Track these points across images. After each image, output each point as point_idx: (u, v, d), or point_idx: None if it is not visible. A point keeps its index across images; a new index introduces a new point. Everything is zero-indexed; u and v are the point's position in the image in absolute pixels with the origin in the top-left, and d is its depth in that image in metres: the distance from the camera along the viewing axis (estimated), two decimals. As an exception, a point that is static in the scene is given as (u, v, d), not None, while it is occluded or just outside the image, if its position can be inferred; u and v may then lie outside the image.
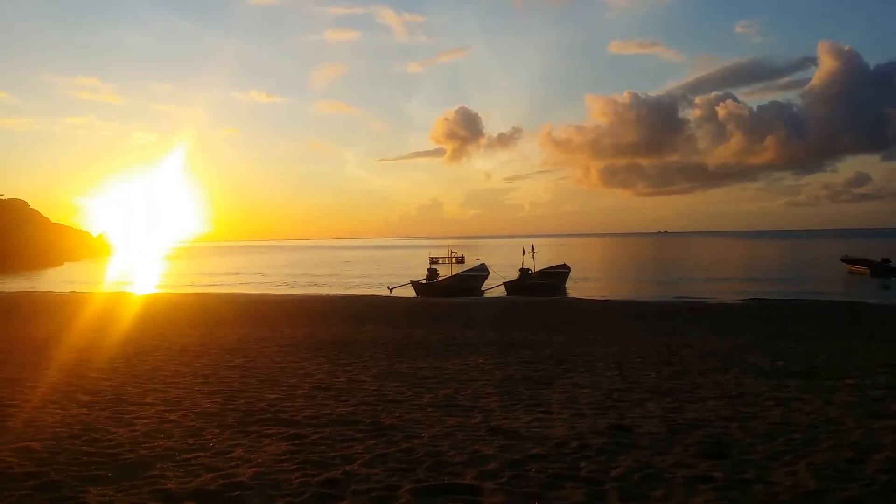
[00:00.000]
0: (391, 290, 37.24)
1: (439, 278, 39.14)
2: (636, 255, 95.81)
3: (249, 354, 12.86)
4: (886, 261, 43.71)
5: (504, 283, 35.96)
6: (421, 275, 40.23)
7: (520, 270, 37.24)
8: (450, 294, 34.09)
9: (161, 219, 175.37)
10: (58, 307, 26.24)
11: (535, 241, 44.87)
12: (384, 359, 12.33)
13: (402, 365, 11.55)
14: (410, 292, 36.17)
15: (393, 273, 55.76)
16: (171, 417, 7.53)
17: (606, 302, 28.86)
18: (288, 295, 36.71)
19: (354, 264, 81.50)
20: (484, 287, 37.61)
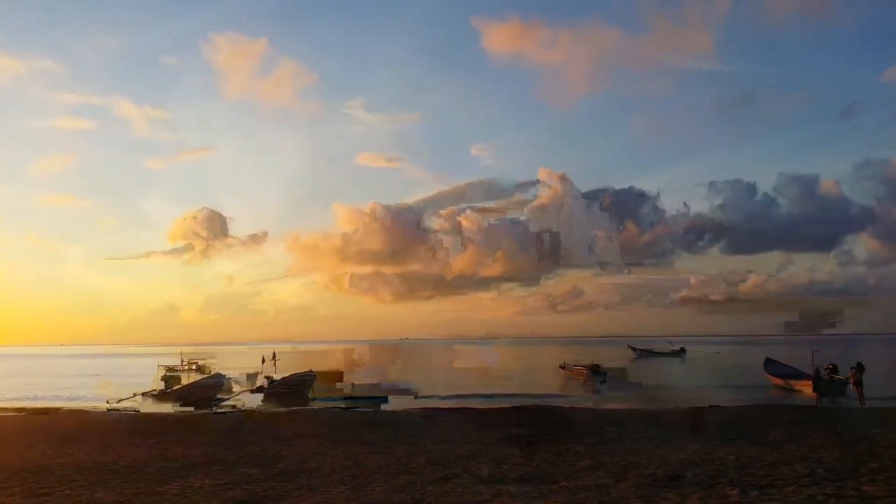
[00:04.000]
0: (111, 404, 33.51)
1: (168, 389, 36.18)
2: (378, 362, 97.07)
3: None
4: (597, 366, 49.07)
5: (242, 392, 34.20)
6: (148, 385, 36.92)
7: (265, 378, 35.90)
8: (179, 406, 31.53)
9: None
10: None
11: (282, 347, 43.70)
12: (85, 488, 10.84)
13: (110, 493, 10.26)
14: (134, 406, 32.87)
15: (116, 384, 50.36)
16: None
17: (346, 410, 28.62)
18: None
19: (70, 374, 72.46)
20: (220, 397, 35.39)
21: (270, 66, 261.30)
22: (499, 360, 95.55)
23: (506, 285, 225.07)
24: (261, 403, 33.11)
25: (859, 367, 27.88)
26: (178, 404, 32.60)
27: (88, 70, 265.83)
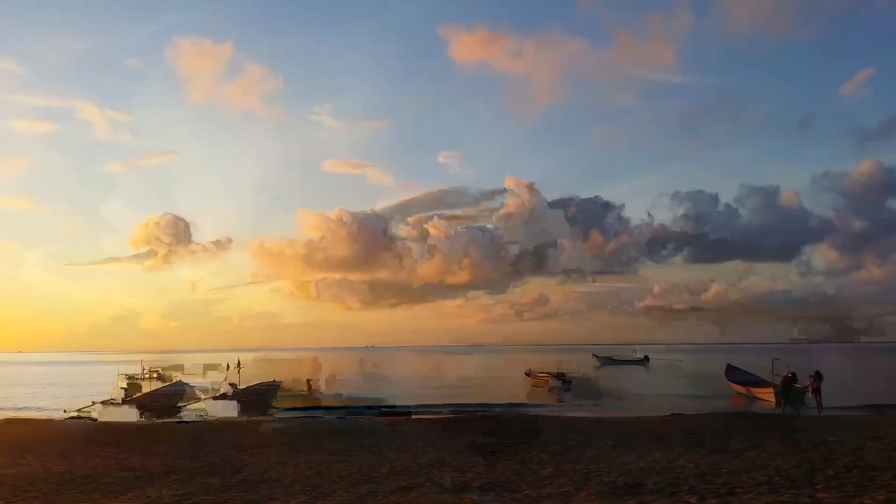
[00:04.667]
0: (67, 413, 32.74)
1: (128, 398, 35.44)
2: (343, 370, 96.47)
3: None
4: (562, 374, 49.36)
5: (204, 401, 33.69)
6: (107, 393, 36.11)
7: (229, 385, 35.38)
8: (139, 415, 30.92)
9: None
10: None
11: (246, 355, 43.10)
12: (38, 499, 10.58)
13: (63, 504, 10.00)
14: (93, 415, 32.14)
15: (75, 393, 49.28)
16: None
17: (308, 419, 28.36)
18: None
19: (27, 382, 70.75)
20: (181, 405, 34.83)
21: (236, 72, 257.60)
22: (465, 366, 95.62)
23: (472, 293, 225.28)
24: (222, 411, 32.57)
25: (817, 376, 28.41)
26: (137, 413, 31.97)
27: (50, 72, 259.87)
